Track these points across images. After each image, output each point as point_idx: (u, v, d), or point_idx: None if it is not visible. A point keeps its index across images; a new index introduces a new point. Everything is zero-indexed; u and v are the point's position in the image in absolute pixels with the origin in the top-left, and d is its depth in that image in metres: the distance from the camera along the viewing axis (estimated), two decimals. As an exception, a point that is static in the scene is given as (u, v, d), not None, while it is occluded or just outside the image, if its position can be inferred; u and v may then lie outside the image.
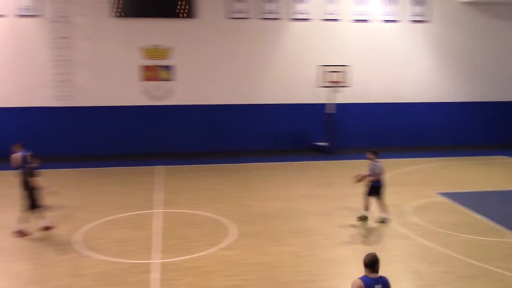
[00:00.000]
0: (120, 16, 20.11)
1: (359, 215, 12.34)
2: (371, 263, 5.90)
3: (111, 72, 20.58)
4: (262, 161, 19.40)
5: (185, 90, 21.08)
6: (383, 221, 12.10)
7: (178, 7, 20.38)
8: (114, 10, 19.98)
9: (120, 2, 19.95)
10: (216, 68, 21.25)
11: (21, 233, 11.37)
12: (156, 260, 10.03)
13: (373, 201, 12.29)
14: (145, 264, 9.83)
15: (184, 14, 20.49)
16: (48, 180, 12.33)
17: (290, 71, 21.58)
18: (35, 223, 11.63)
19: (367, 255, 5.98)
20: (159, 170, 17.86)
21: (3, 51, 19.78)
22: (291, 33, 21.59)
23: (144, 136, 20.94)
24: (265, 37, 21.41)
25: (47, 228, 11.68)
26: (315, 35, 21.58)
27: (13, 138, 19.80)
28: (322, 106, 21.04)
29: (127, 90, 20.70)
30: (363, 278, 5.84)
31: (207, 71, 21.15)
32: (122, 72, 20.60)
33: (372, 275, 5.88)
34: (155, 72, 20.86)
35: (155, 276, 9.29)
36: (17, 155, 12.84)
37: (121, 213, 13.09)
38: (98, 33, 20.25)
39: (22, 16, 19.74)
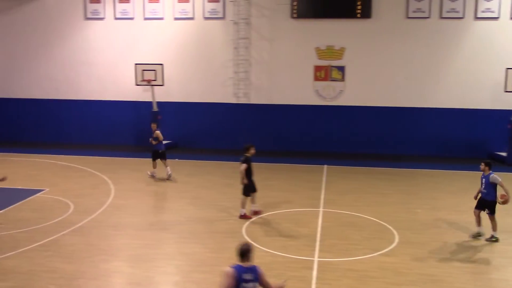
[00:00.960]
0: (297, 17, 20.71)
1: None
2: (243, 252, 6.31)
3: (285, 72, 21.31)
4: (431, 168, 18.43)
5: (354, 91, 20.93)
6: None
7: (355, 7, 20.28)
8: (292, 11, 20.64)
9: (297, 4, 20.54)
10: (387, 69, 20.70)
11: (244, 216, 12.65)
12: (314, 258, 10.20)
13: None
14: (305, 261, 10.07)
15: (360, 14, 20.32)
16: (225, 172, 13.25)
17: (471, 74, 20.11)
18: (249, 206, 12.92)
19: (240, 244, 6.40)
20: (323, 169, 18.05)
21: (191, 51, 21.71)
22: (475, 33, 20.10)
23: (312, 134, 21.32)
24: (444, 37, 20.24)
25: (256, 213, 12.89)
26: (503, 35, 19.82)
27: (194, 130, 21.92)
28: (507, 112, 19.27)
29: (299, 90, 21.26)
30: (235, 267, 6.20)
31: (377, 72, 20.72)
32: (296, 71, 21.19)
33: (244, 264, 6.22)
34: (327, 72, 21.08)
35: (313, 273, 9.46)
36: None
37: (285, 209, 13.56)
38: (275, 33, 21.12)
39: (208, 18, 21.44)
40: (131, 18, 21.90)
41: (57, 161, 18.81)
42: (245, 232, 11.72)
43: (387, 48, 20.61)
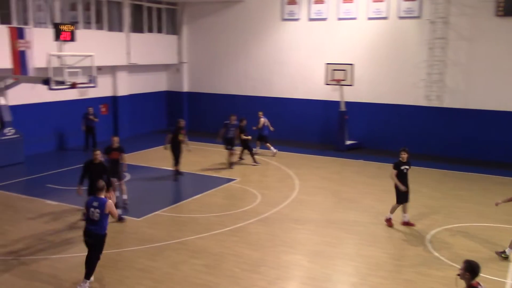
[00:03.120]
0: (504, 15, 18.91)
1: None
2: (98, 188, 8.82)
3: (485, 75, 19.66)
4: None
5: None
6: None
7: None
8: (497, 9, 18.94)
9: (504, 1, 18.75)
10: None
11: (388, 222, 12.30)
12: (507, 280, 9.32)
13: None
14: (496, 282, 9.26)
15: None
16: (413, 177, 12.76)
17: None
18: (400, 215, 12.40)
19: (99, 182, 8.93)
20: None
21: (383, 51, 21.32)
22: None
23: (505, 144, 19.36)
24: None
25: (406, 224, 12.27)
26: None
27: (380, 131, 21.54)
28: None
29: (502, 95, 19.42)
30: (89, 199, 9.02)
31: None
32: (499, 75, 19.39)
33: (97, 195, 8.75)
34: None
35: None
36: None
37: (474, 222, 12.61)
38: (476, 33, 19.61)
39: (403, 18, 20.82)
40: (325, 19, 22.33)
41: (246, 153, 20.11)
42: (429, 242, 11.21)
43: None
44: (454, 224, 12.47)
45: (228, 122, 17.90)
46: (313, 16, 22.59)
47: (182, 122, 16.42)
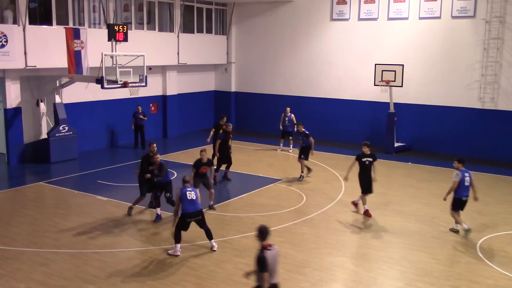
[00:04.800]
0: None
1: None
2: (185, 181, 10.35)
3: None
4: None
5: None
6: None
7: None
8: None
9: None
10: None
11: (367, 213, 13.00)
12: None
13: None
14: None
15: None
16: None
17: None
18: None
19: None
20: None
21: (434, 52, 20.77)
22: None
23: None
24: None
25: (357, 208, 13.29)
26: None
27: (430, 134, 21.01)
28: None
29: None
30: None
31: None
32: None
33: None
34: None
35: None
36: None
37: (530, 229, 12.12)
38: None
39: (456, 17, 20.22)
40: (375, 19, 21.99)
41: (295, 154, 20.06)
42: (479, 249, 10.85)
43: None
44: (507, 231, 12.02)
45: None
46: (363, 16, 22.29)
47: (230, 126, 16.13)
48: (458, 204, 11.58)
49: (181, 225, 10.38)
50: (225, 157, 15.81)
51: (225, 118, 16.94)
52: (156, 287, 9.00)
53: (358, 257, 10.44)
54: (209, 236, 10.66)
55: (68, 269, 9.67)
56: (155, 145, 12.52)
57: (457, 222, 11.69)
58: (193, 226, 12.05)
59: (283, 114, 20.94)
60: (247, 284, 9.07)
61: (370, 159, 12.79)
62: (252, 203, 13.90)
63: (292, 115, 20.78)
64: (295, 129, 17.62)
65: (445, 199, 11.75)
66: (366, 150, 12.81)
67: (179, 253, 10.30)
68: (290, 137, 20.73)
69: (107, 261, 10.00)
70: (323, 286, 9.20)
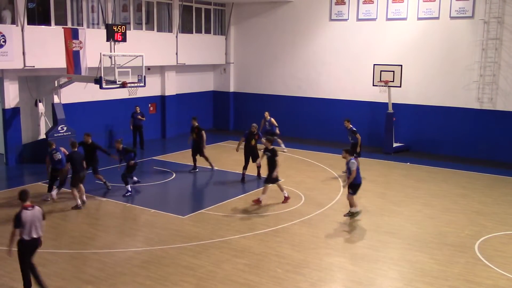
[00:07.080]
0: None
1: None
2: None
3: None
4: None
5: None
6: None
7: None
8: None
9: None
10: None
11: (256, 201, 13.71)
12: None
13: None
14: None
15: None
16: (460, 182, 12.46)
17: None
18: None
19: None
20: None
21: (433, 52, 20.79)
22: None
23: None
24: None
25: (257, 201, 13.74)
26: None
27: (428, 134, 21.03)
28: None
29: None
30: None
31: None
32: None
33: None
34: None
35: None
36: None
37: (528, 230, 12.14)
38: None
39: (454, 18, 20.24)
40: (374, 19, 22.00)
41: (293, 155, 20.08)
42: (477, 249, 10.86)
43: None
44: (505, 231, 12.03)
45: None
46: (361, 17, 22.30)
47: (255, 127, 16.36)
48: (356, 189, 12.65)
49: None
50: (249, 155, 16.36)
51: (254, 127, 16.63)
52: (155, 287, 8.99)
53: (357, 257, 10.43)
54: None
55: (67, 269, 9.66)
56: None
57: (352, 205, 12.68)
58: (193, 227, 12.05)
59: (263, 119, 20.74)
60: (247, 284, 9.08)
61: (269, 154, 13.74)
62: (251, 203, 13.89)
63: (272, 118, 20.56)
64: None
65: (344, 187, 13.10)
66: (266, 145, 13.95)
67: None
68: (275, 137, 20.35)
69: (106, 262, 9.99)
70: (322, 286, 9.20)
